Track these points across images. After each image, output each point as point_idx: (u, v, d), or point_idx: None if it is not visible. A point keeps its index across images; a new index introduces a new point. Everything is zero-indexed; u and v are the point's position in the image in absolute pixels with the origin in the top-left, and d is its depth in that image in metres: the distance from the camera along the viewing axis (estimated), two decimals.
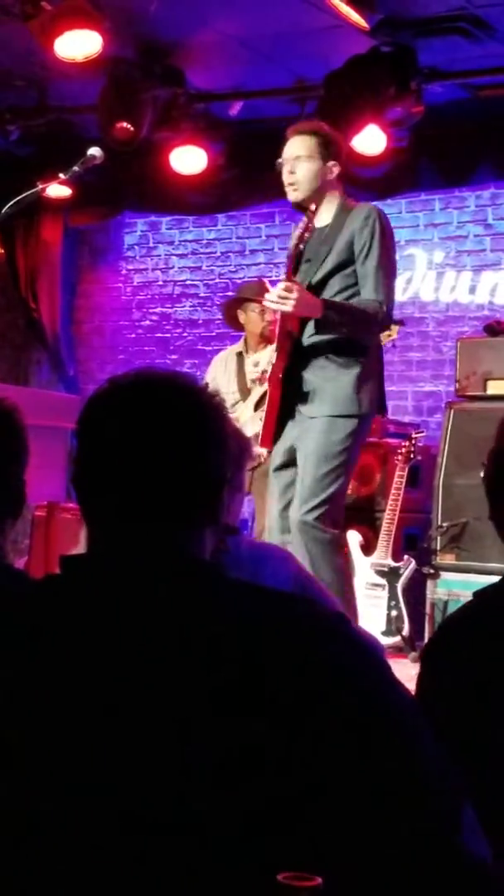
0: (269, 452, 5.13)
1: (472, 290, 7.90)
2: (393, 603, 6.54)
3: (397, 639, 6.46)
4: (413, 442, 6.63)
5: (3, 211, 4.98)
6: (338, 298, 4.90)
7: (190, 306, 9.16)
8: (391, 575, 6.57)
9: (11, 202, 4.98)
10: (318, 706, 1.35)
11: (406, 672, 5.09)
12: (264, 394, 6.47)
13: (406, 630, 6.49)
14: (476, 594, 2.06)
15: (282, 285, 4.89)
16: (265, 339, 6.62)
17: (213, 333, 8.91)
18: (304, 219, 5.02)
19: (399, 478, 6.57)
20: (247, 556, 3.02)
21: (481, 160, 7.41)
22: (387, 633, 6.48)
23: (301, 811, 1.32)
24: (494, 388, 6.43)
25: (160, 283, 9.31)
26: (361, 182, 7.13)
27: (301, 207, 5.03)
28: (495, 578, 2.09)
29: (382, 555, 6.59)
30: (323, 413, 4.87)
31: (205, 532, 1.58)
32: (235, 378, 6.76)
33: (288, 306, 4.81)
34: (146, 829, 1.32)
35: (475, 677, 1.89)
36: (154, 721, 1.35)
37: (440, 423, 6.72)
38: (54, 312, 9.27)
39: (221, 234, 9.03)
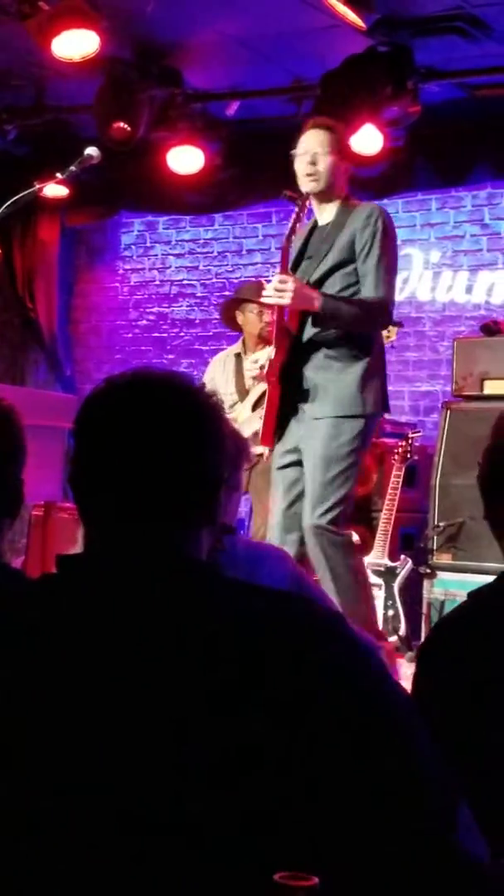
0: (271, 451, 5.11)
1: (469, 289, 7.91)
2: (389, 603, 6.54)
3: (394, 639, 6.46)
4: (410, 442, 6.63)
5: (0, 210, 4.98)
6: None
7: (187, 306, 9.16)
8: (388, 574, 6.58)
9: (8, 202, 4.98)
10: (314, 706, 1.35)
11: (402, 671, 5.10)
12: (263, 394, 6.47)
13: (403, 630, 6.49)
14: (471, 595, 2.06)
15: (277, 278, 4.89)
16: (263, 340, 6.62)
17: (210, 333, 8.91)
18: (296, 209, 5.02)
19: (396, 477, 6.57)
20: (243, 555, 3.02)
21: (478, 160, 7.41)
22: None
23: (297, 811, 1.33)
24: (491, 387, 6.43)
25: (157, 282, 9.31)
26: (358, 182, 7.10)
27: (291, 198, 5.02)
28: (492, 578, 2.09)
29: (379, 554, 6.59)
30: (328, 414, 4.84)
31: (201, 532, 1.58)
32: (233, 379, 6.76)
33: (286, 299, 4.80)
34: (143, 828, 1.32)
35: (470, 677, 1.89)
36: (151, 721, 1.35)
37: (437, 423, 6.73)
38: (51, 312, 9.27)
39: (218, 233, 9.03)
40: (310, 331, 4.90)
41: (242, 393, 6.68)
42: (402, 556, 6.62)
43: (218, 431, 1.61)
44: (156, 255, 9.32)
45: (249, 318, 6.76)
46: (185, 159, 7.74)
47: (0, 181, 6.97)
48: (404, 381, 8.01)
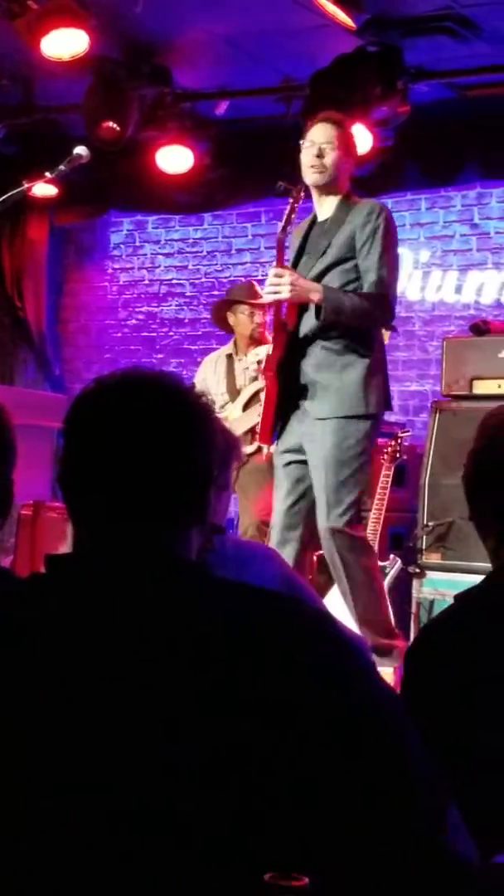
0: (268, 449, 5.10)
1: (458, 289, 7.91)
2: None
3: None
4: (399, 441, 6.62)
5: None
6: None
7: (176, 305, 9.16)
8: None
9: None
10: (304, 705, 1.35)
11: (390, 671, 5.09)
12: (254, 394, 6.49)
13: None
14: (457, 597, 2.06)
15: (273, 272, 4.88)
16: (255, 341, 6.63)
17: (199, 332, 8.91)
18: (291, 200, 5.01)
19: (385, 477, 6.57)
20: (232, 555, 3.02)
21: (467, 160, 7.41)
22: None
23: (288, 811, 1.33)
24: (480, 387, 6.43)
25: (146, 282, 9.30)
26: None
27: (287, 190, 5.02)
28: (480, 577, 2.10)
29: None
30: (332, 414, 4.82)
31: (191, 532, 1.58)
32: (225, 379, 6.76)
33: (284, 292, 4.79)
34: (134, 828, 1.32)
35: (459, 679, 1.89)
36: (141, 721, 1.35)
37: (426, 423, 6.73)
38: (40, 311, 9.26)
39: (208, 233, 9.02)
40: (307, 325, 4.87)
41: (234, 393, 6.69)
42: (392, 556, 6.61)
43: (207, 431, 1.61)
44: (145, 255, 9.31)
45: (241, 320, 6.76)
46: (175, 159, 7.73)
47: None
48: (394, 381, 7.91)
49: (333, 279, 4.89)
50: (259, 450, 6.11)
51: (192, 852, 1.31)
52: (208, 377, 6.85)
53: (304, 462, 4.92)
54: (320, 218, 5.02)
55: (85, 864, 1.33)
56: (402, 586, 6.54)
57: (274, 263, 5.04)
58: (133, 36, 6.91)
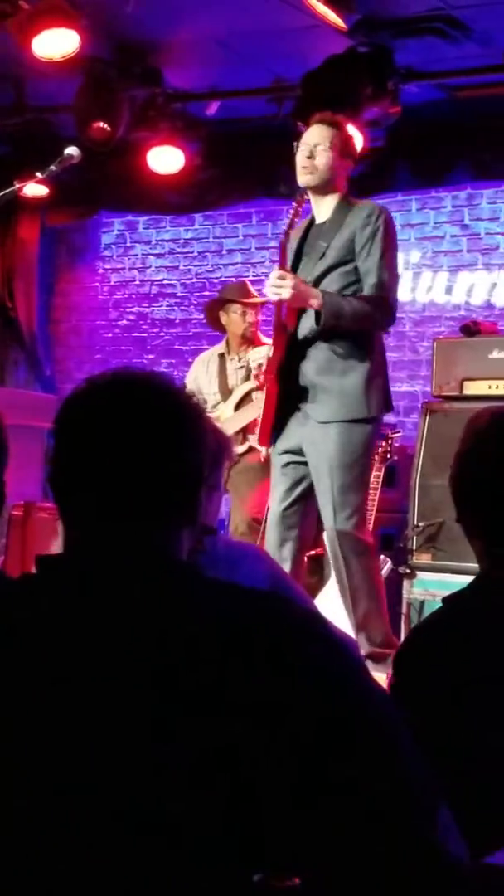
0: (267, 450, 5.09)
1: (449, 290, 7.92)
2: None
3: None
4: (389, 442, 6.62)
5: None
6: None
7: (167, 306, 9.15)
8: None
9: None
10: (295, 705, 1.35)
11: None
12: (246, 394, 6.49)
13: None
14: (445, 600, 2.06)
15: (275, 273, 4.87)
16: (247, 341, 6.64)
17: (190, 333, 8.90)
18: (294, 204, 5.01)
19: (375, 478, 6.56)
20: (222, 555, 3.02)
21: (458, 161, 7.42)
22: None
23: (278, 811, 1.33)
24: (471, 388, 6.44)
25: (137, 282, 9.29)
26: None
27: (288, 195, 5.03)
28: (471, 578, 2.10)
29: None
30: (334, 418, 4.81)
31: (182, 532, 1.58)
32: (217, 379, 6.76)
33: (285, 294, 4.78)
34: (123, 828, 1.32)
35: (450, 680, 1.89)
36: (132, 721, 1.35)
37: (416, 424, 6.72)
38: (31, 312, 9.25)
39: (199, 233, 9.02)
40: (306, 327, 4.85)
41: (225, 393, 6.69)
42: (382, 557, 6.60)
43: (198, 431, 1.61)
44: (136, 255, 9.31)
45: (233, 319, 6.76)
46: (166, 159, 7.73)
47: None
48: None
49: (333, 281, 4.87)
50: (250, 449, 6.12)
51: (182, 852, 1.31)
52: (200, 376, 6.85)
53: (304, 464, 4.92)
54: (318, 219, 5.00)
55: (75, 864, 1.33)
56: (393, 587, 6.54)
57: (276, 266, 5.03)
58: (124, 36, 6.91)
